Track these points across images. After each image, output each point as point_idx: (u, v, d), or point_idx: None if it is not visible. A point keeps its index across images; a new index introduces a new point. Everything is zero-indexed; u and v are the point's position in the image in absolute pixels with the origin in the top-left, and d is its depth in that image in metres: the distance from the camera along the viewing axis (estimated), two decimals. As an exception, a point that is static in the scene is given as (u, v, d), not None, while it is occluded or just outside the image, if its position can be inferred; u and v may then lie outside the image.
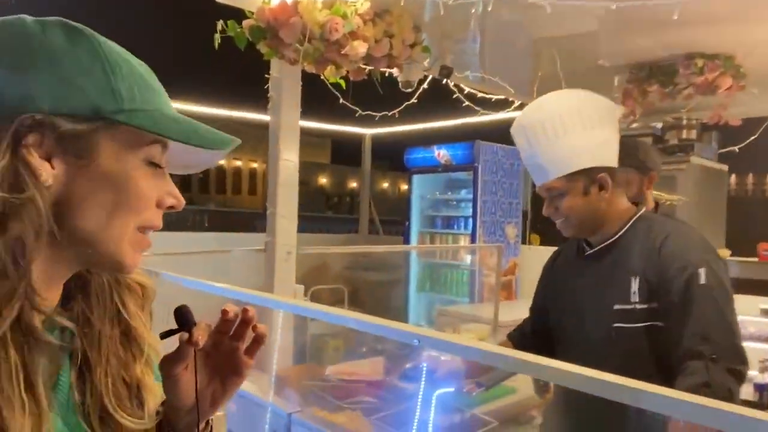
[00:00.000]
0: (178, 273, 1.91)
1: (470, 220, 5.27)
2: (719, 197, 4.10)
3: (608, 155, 1.40)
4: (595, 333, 1.38)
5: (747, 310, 3.78)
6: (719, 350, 1.21)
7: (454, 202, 5.67)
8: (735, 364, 1.22)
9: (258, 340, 0.63)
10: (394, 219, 7.92)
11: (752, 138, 4.08)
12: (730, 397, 1.19)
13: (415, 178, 5.84)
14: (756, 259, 3.51)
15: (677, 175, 3.78)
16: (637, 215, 1.43)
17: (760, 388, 3.56)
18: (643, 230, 1.39)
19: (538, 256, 1.63)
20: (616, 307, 1.33)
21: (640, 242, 1.37)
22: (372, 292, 6.78)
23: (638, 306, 1.31)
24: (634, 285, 1.31)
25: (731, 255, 3.87)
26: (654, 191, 2.06)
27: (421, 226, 5.89)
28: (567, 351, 1.43)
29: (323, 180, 25.97)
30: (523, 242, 5.50)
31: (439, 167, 5.55)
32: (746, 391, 3.78)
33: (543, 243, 5.40)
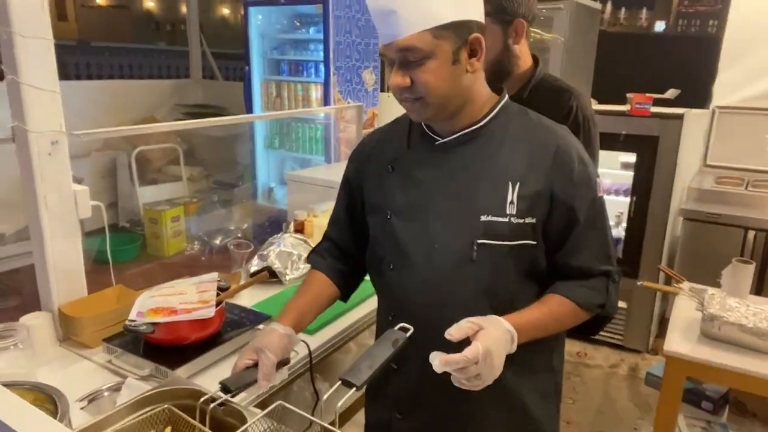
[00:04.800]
0: None
1: (322, 66, 4.47)
2: (591, 38, 3.75)
3: (478, 6, 1.04)
4: (448, 249, 1.10)
5: (608, 164, 3.69)
6: (615, 267, 1.16)
7: (303, 43, 4.75)
8: (620, 276, 1.18)
9: None
10: (238, 53, 6.65)
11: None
12: (613, 312, 1.16)
13: (252, 10, 4.72)
14: (626, 108, 3.27)
15: (554, 15, 3.32)
16: (503, 103, 1.13)
17: (614, 241, 3.61)
18: (519, 124, 1.12)
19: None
20: (484, 218, 1.07)
21: (518, 139, 1.10)
22: (212, 150, 5.88)
23: (514, 220, 1.06)
24: (512, 194, 1.07)
25: (599, 103, 3.67)
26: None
27: (264, 73, 4.95)
28: (403, 270, 1.14)
29: (150, 3, 22.11)
30: (382, 90, 4.88)
31: (280, -2, 4.50)
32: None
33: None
